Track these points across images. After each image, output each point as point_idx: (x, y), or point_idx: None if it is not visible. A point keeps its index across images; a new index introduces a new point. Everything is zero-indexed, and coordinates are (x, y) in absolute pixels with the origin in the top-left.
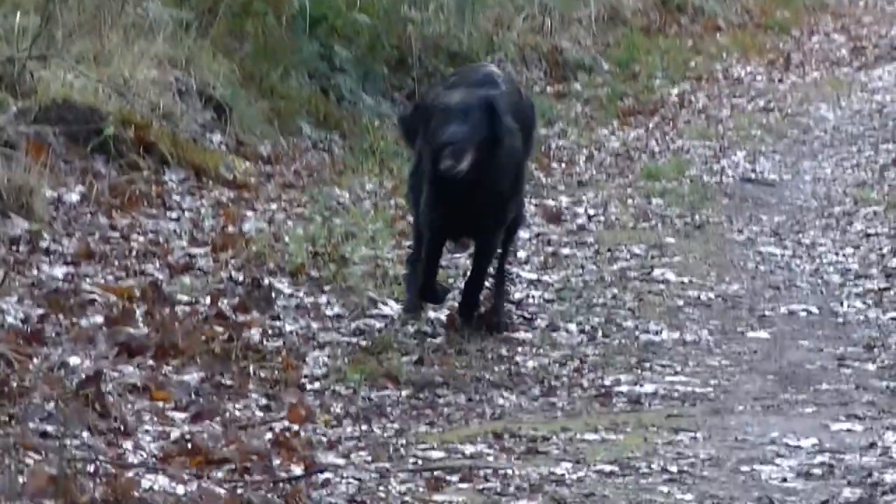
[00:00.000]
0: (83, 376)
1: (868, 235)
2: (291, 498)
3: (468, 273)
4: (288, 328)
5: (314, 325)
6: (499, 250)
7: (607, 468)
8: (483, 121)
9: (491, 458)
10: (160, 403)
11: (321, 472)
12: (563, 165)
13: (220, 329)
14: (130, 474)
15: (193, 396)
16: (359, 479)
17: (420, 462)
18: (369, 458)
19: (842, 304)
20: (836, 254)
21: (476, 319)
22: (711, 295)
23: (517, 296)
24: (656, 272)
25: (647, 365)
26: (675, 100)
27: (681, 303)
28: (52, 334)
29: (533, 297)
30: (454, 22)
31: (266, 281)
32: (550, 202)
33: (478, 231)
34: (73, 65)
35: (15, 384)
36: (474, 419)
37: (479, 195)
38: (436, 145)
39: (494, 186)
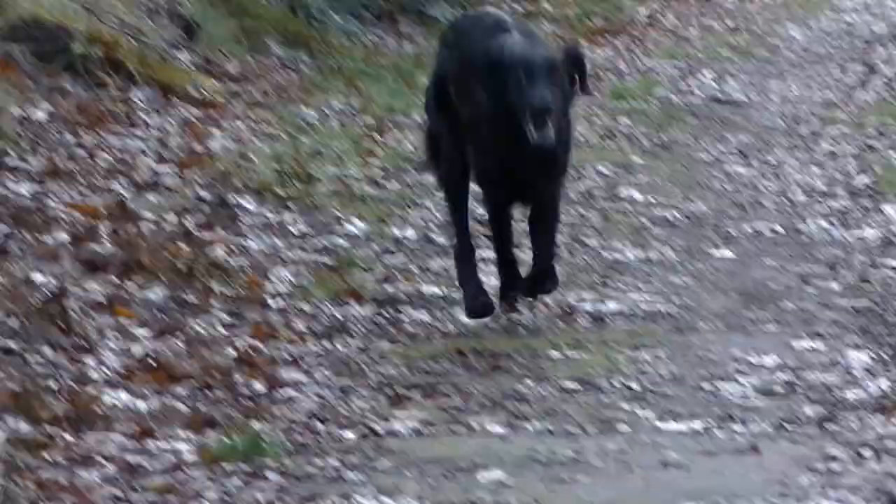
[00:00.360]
0: (47, 293)
1: (834, 155)
2: (254, 414)
3: (538, 241)
4: (253, 246)
5: (279, 243)
6: None
7: (570, 385)
8: (556, 76)
9: (453, 375)
10: (124, 320)
11: (284, 388)
12: None
13: (184, 246)
14: (93, 391)
15: (157, 313)
16: (321, 396)
17: (382, 379)
18: (332, 375)
19: (807, 223)
20: (802, 173)
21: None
22: (677, 214)
23: (479, 212)
24: (622, 191)
25: (611, 283)
26: (645, 19)
27: (646, 222)
28: (17, 251)
29: None
30: None
31: (232, 199)
32: None
33: (543, 192)
34: None
35: None
36: (437, 336)
37: (549, 156)
38: (519, 109)
39: (562, 142)
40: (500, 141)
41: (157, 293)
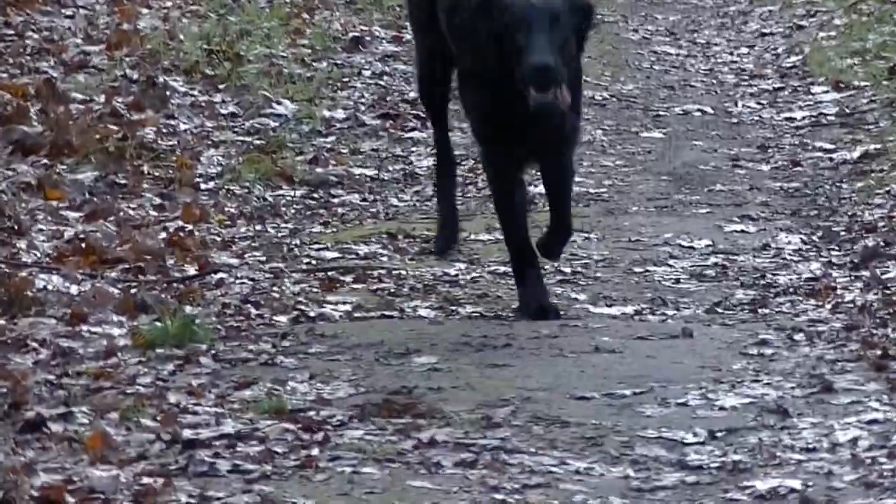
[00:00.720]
0: None
1: (763, 35)
2: (185, 297)
3: (553, 202)
4: (182, 127)
5: (208, 124)
6: None
7: (501, 269)
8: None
9: (385, 259)
10: (54, 202)
11: (215, 272)
12: None
13: (114, 127)
14: (24, 274)
15: (87, 195)
16: (252, 279)
17: (314, 262)
18: (263, 258)
19: (736, 104)
20: (731, 53)
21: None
22: (606, 95)
23: (412, 95)
24: None
25: None
26: None
27: None
28: None
29: None
30: None
31: (161, 79)
32: None
33: (550, 150)
34: None
35: None
36: (368, 219)
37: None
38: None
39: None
40: (496, 100)
41: (87, 175)
